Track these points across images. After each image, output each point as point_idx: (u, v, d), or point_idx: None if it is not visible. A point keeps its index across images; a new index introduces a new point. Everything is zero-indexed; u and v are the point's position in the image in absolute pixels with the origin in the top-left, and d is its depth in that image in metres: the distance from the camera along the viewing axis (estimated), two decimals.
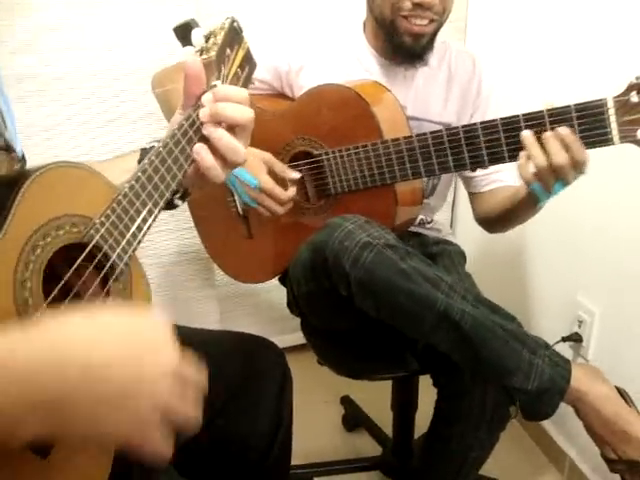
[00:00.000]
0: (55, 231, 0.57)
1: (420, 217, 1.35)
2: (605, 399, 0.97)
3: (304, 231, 1.21)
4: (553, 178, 0.95)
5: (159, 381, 0.49)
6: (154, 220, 0.67)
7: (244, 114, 0.72)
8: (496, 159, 1.01)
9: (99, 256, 0.61)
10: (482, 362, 0.98)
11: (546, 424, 1.61)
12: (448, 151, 1.04)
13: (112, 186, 0.64)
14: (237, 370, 0.94)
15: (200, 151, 0.71)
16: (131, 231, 0.63)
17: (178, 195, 0.77)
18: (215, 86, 0.73)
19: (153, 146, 0.74)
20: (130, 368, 0.48)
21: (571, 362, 1.01)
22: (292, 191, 1.19)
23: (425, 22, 1.15)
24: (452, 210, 2.04)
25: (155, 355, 0.49)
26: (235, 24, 0.82)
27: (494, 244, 1.75)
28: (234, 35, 0.81)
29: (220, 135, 0.71)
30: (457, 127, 1.03)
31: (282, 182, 1.20)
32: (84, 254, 0.59)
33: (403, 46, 1.18)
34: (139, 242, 0.65)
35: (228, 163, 0.73)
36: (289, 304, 1.32)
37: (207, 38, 0.79)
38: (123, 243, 0.63)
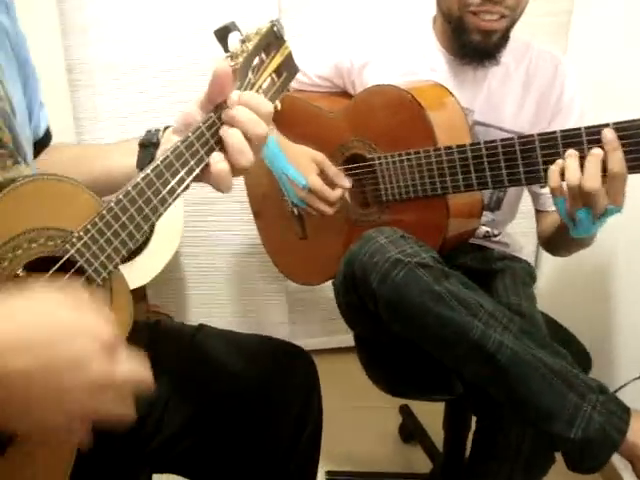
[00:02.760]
0: (27, 243, 0.57)
1: (485, 229, 1.25)
2: None
3: (356, 236, 1.15)
4: (580, 201, 0.85)
5: (77, 397, 0.48)
6: (142, 236, 0.65)
7: (256, 128, 0.68)
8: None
9: (72, 270, 0.60)
10: (518, 401, 0.88)
11: (617, 461, 1.45)
12: (502, 164, 0.95)
13: (98, 200, 0.63)
14: (263, 373, 0.91)
15: (214, 155, 0.69)
16: (113, 246, 0.62)
17: None
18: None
19: (158, 130, 0.73)
20: (51, 384, 0.47)
21: (632, 411, 0.89)
22: (341, 191, 1.14)
23: (495, 17, 1.05)
24: None
25: (76, 372, 0.48)
26: (275, 28, 0.78)
27: (578, 264, 1.59)
28: (272, 40, 0.78)
29: (233, 133, 0.68)
30: (511, 138, 0.93)
31: (331, 182, 1.15)
32: (54, 268, 0.58)
33: (472, 44, 1.09)
34: (122, 257, 0.63)
35: (235, 167, 0.70)
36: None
37: (243, 42, 0.76)
38: (102, 258, 0.61)
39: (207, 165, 0.68)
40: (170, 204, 0.66)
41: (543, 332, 1.05)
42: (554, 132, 0.89)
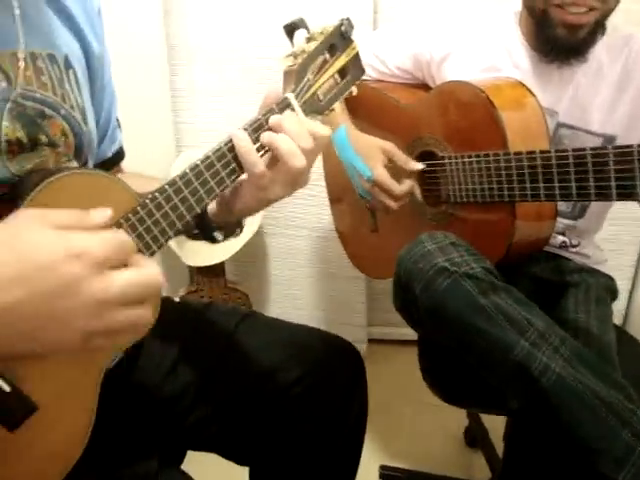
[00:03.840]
0: None
1: (561, 239, 1.17)
2: None
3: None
4: None
5: (78, 319, 0.48)
6: (177, 233, 0.66)
7: (295, 162, 0.68)
8: (625, 194, 0.82)
9: None
10: (561, 431, 0.83)
11: None
12: (572, 176, 0.87)
13: (135, 195, 0.64)
14: (305, 363, 0.91)
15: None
16: (145, 241, 0.63)
17: (220, 231, 0.77)
18: (286, 99, 0.71)
19: None
20: (42, 313, 0.48)
21: None
22: (407, 185, 1.11)
23: (582, 10, 0.96)
24: None
25: (67, 297, 0.48)
26: (343, 28, 0.76)
27: None
28: (338, 39, 0.76)
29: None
30: (583, 149, 0.85)
31: (398, 177, 1.12)
32: None
33: (557, 39, 1.01)
34: (153, 253, 0.64)
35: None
36: None
37: (308, 40, 0.75)
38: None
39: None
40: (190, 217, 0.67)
41: (609, 357, 0.97)
42: (631, 146, 0.80)
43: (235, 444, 0.91)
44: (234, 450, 0.93)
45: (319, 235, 1.90)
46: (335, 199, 1.46)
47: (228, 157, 0.68)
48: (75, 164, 0.72)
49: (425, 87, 1.21)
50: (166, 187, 0.64)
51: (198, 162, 0.66)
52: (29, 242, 0.48)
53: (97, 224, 0.52)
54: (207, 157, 0.66)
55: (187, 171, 0.65)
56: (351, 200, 1.33)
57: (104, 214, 0.53)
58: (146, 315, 0.52)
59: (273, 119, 0.69)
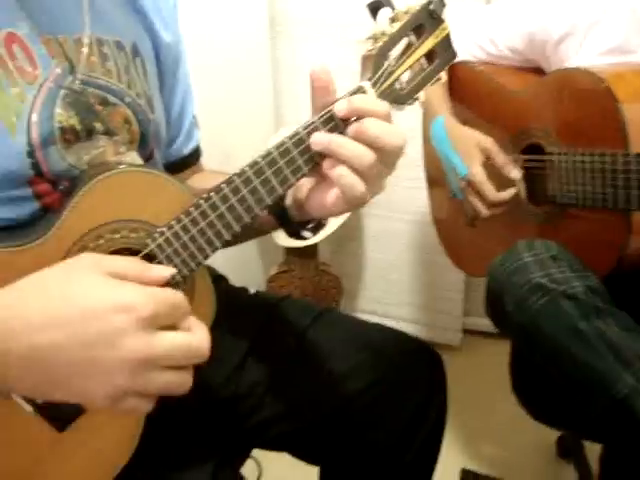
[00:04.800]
0: (110, 234, 0.57)
1: None
2: None
3: (523, 234, 1.03)
4: None
5: (115, 373, 0.47)
6: (230, 236, 0.61)
7: (392, 139, 0.58)
8: None
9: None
10: None
11: None
12: None
13: (191, 195, 0.61)
14: (380, 365, 0.86)
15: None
16: (197, 244, 0.60)
17: (310, 226, 0.71)
18: (361, 88, 0.63)
19: None
20: (79, 360, 0.46)
21: None
22: (506, 194, 1.00)
23: None
24: None
25: (108, 348, 0.46)
26: (431, 7, 0.67)
27: None
28: (426, 19, 0.67)
29: (338, 171, 0.59)
30: None
31: (498, 178, 1.02)
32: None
33: None
34: (207, 257, 0.61)
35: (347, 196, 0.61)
36: None
37: (392, 21, 0.68)
38: (184, 255, 0.60)
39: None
40: (254, 215, 0.62)
41: None
42: None
43: (305, 445, 0.89)
44: (304, 451, 0.90)
45: (418, 219, 1.82)
46: (433, 184, 1.37)
47: (293, 153, 0.60)
48: (136, 155, 0.70)
49: (538, 72, 1.09)
50: (222, 186, 0.59)
51: (259, 159, 0.61)
52: (79, 286, 0.48)
53: (154, 280, 0.51)
54: (269, 153, 0.60)
55: (246, 169, 0.60)
56: (448, 192, 1.25)
57: (164, 272, 0.52)
58: (185, 382, 0.49)
59: (348, 103, 0.59)
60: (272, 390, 0.84)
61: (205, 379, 0.83)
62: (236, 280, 0.98)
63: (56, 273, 0.49)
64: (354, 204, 0.61)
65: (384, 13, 0.70)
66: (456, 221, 1.28)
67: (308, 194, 0.64)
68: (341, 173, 0.58)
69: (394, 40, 0.65)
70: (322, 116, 0.59)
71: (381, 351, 0.87)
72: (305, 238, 0.73)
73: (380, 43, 0.65)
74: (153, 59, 0.76)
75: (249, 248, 1.82)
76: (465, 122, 1.12)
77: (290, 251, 1.72)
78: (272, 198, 0.61)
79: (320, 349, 0.86)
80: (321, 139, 0.58)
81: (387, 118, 0.59)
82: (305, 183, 0.65)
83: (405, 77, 0.67)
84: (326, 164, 0.59)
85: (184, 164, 0.87)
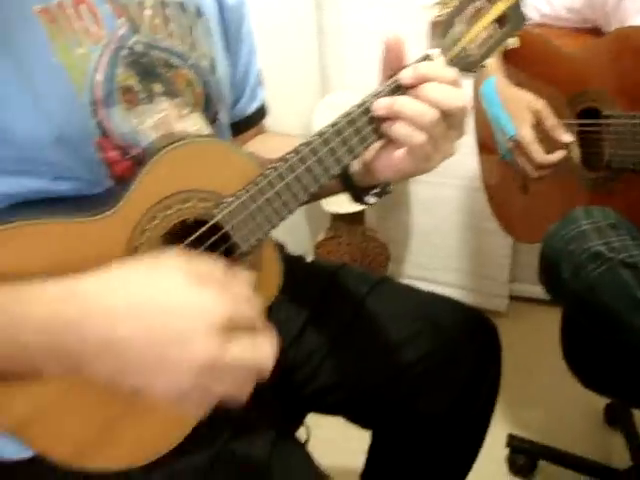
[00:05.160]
0: (180, 204, 0.58)
1: None
2: None
3: (580, 200, 1.01)
4: None
5: (182, 372, 0.48)
6: (300, 204, 0.62)
7: (452, 100, 0.58)
8: None
9: (217, 235, 0.60)
10: None
11: None
12: None
13: (257, 165, 0.61)
14: (435, 334, 0.86)
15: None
16: (265, 213, 0.60)
17: (375, 191, 0.70)
18: (428, 56, 0.61)
19: None
20: (152, 354, 0.48)
21: None
22: (554, 156, 0.98)
23: None
24: None
25: (180, 347, 0.48)
26: None
27: None
28: None
29: (396, 128, 0.59)
30: None
31: (548, 141, 1.00)
32: (200, 231, 0.59)
33: None
34: (274, 226, 0.61)
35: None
36: None
37: None
38: (252, 225, 0.60)
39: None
40: (321, 184, 0.62)
41: None
42: None
43: (358, 411, 0.90)
44: (358, 415, 0.91)
45: (467, 185, 1.79)
46: (484, 149, 1.35)
47: (361, 121, 0.60)
48: (199, 117, 0.70)
49: (596, 33, 1.05)
50: (289, 156, 0.60)
51: (326, 128, 0.60)
52: (161, 286, 0.49)
53: (237, 286, 0.52)
54: (336, 123, 0.60)
55: (313, 138, 0.60)
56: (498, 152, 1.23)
57: (247, 278, 0.53)
58: (243, 395, 0.51)
59: (414, 71, 0.59)
60: (329, 358, 0.85)
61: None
62: None
63: (142, 270, 0.51)
64: (422, 164, 0.61)
65: None
66: (507, 187, 1.26)
67: (375, 155, 0.63)
68: (403, 128, 0.58)
69: (463, 5, 0.63)
70: (389, 85, 0.59)
71: (437, 321, 0.87)
72: (369, 204, 0.72)
73: (449, 8, 0.63)
74: (217, 20, 0.76)
75: (296, 215, 1.82)
76: (519, 85, 1.09)
77: (337, 217, 1.72)
78: (339, 168, 0.61)
79: (377, 318, 0.87)
80: (384, 102, 0.59)
81: (454, 83, 0.59)
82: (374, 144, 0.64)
83: (476, 43, 0.65)
84: (387, 123, 0.59)
85: (248, 124, 0.87)
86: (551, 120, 0.99)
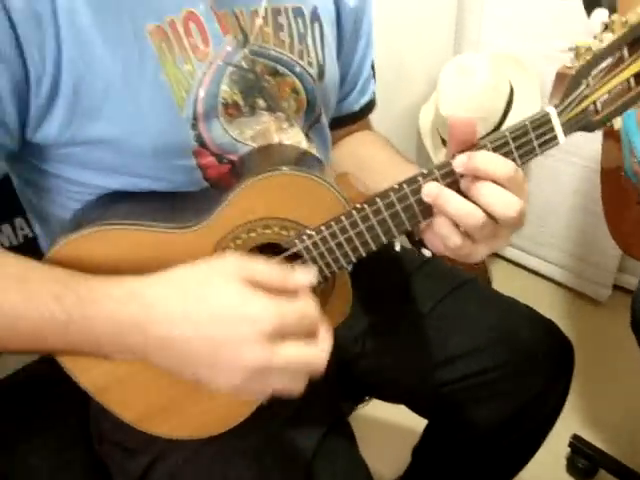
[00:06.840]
0: (262, 229, 0.61)
1: None
2: None
3: None
4: None
5: (234, 373, 0.52)
6: (377, 247, 0.62)
7: (504, 209, 0.54)
8: None
9: (296, 263, 0.62)
10: None
11: None
12: None
13: (341, 202, 0.61)
14: (510, 352, 0.85)
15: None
16: (343, 251, 0.61)
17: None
18: (546, 115, 0.56)
19: None
20: (206, 354, 0.52)
21: None
22: None
23: None
24: None
25: (231, 352, 0.51)
26: None
27: None
28: None
29: (439, 222, 0.58)
30: None
31: None
32: (279, 257, 0.62)
33: None
34: (349, 262, 0.62)
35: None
36: None
37: (605, 27, 0.58)
38: (329, 259, 0.62)
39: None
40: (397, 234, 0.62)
41: None
42: None
43: (418, 404, 0.93)
44: (416, 407, 0.94)
45: (587, 166, 1.69)
46: (607, 134, 1.23)
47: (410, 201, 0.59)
48: (299, 131, 0.71)
49: None
50: (377, 199, 0.59)
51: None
52: (215, 291, 0.52)
53: (295, 288, 0.53)
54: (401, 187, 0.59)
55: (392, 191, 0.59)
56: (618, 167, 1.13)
57: (305, 279, 0.54)
58: (297, 389, 0.53)
59: (468, 160, 0.55)
60: (395, 353, 0.87)
61: (336, 338, 0.88)
62: None
63: (198, 273, 0.54)
64: (461, 258, 0.59)
65: (599, 15, 0.61)
66: (624, 202, 1.17)
67: (424, 229, 0.62)
68: (444, 226, 0.56)
69: (599, 58, 0.56)
70: (443, 166, 0.57)
71: (512, 332, 0.86)
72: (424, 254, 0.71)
73: (582, 61, 0.56)
74: (334, 23, 0.75)
75: None
76: None
77: None
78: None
79: (451, 320, 0.87)
80: (430, 191, 0.56)
81: (509, 182, 0.55)
82: None
83: (606, 98, 0.58)
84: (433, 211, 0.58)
85: (355, 118, 0.87)
86: None
